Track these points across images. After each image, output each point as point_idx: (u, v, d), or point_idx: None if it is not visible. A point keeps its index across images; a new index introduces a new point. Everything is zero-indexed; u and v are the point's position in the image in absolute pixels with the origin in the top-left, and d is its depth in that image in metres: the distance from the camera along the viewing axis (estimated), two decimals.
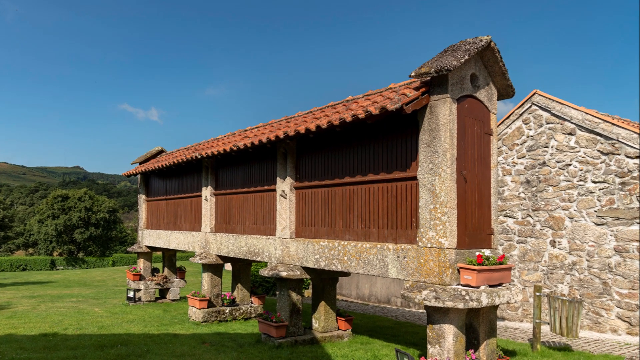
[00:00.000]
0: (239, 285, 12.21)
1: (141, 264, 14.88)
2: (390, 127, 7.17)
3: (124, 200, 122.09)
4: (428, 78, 6.45)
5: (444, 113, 6.25)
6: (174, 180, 13.83)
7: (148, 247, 14.99)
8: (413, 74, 6.32)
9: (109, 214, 53.83)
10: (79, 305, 14.35)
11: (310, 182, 8.70)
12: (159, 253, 18.90)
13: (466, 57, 6.18)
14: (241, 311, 11.75)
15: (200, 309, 11.11)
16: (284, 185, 9.10)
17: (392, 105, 6.28)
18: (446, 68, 6.02)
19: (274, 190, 9.52)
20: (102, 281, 27.25)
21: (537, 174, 12.10)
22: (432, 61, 6.26)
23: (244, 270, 12.26)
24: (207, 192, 11.69)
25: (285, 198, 9.05)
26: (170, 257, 15.26)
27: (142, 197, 15.61)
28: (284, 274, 8.63)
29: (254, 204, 10.24)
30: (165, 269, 15.19)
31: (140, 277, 14.67)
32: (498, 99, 7.15)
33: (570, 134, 11.47)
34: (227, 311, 11.50)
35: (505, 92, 7.15)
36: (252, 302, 12.25)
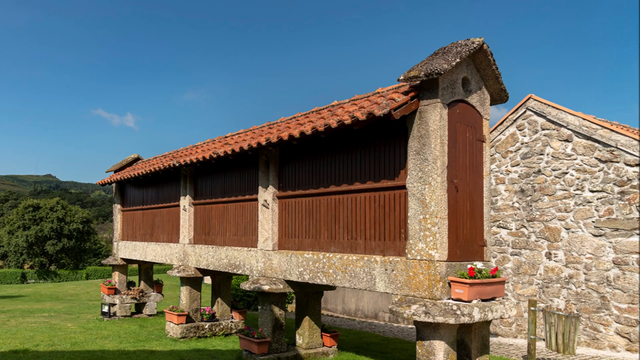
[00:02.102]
0: (219, 299, 11.89)
1: (116, 277, 14.51)
2: (377, 133, 6.92)
3: (99, 210, 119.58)
4: (417, 82, 6.25)
5: (434, 119, 6.02)
6: (150, 190, 13.44)
7: (123, 259, 14.60)
8: (402, 77, 6.11)
9: (83, 225, 52.87)
10: (51, 321, 13.89)
11: (293, 191, 8.40)
12: (135, 266, 18.52)
13: (457, 60, 5.97)
14: (221, 327, 11.43)
15: (178, 325, 10.78)
16: (266, 195, 8.78)
17: (379, 110, 6.06)
18: (436, 71, 5.81)
19: (256, 199, 9.20)
20: (75, 295, 26.74)
21: (531, 182, 11.86)
22: (422, 64, 6.06)
23: (224, 283, 11.97)
24: (185, 201, 11.32)
25: (268, 208, 8.73)
26: (146, 270, 14.88)
27: (117, 207, 15.18)
28: (266, 287, 8.30)
29: (234, 214, 9.90)
30: (142, 282, 14.80)
31: (116, 291, 14.30)
32: (491, 104, 6.95)
33: (566, 140, 11.25)
34: (206, 327, 11.17)
35: (499, 97, 6.96)
36: (232, 317, 11.93)
